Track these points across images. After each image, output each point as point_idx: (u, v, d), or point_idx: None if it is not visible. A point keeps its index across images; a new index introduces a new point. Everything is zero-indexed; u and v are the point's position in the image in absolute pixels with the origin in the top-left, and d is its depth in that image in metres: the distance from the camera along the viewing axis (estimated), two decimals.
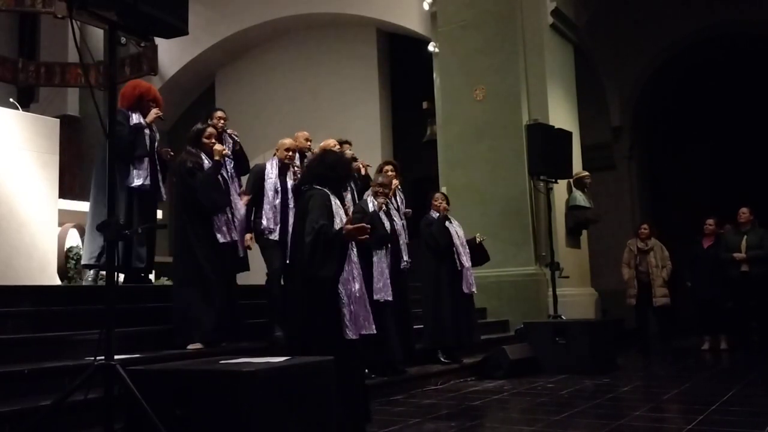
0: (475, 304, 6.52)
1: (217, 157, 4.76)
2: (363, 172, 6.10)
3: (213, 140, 4.86)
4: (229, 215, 4.81)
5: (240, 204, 5.07)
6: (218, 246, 4.67)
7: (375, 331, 3.73)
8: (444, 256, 6.13)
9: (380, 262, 5.20)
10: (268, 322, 5.20)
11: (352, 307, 3.54)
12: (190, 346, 4.48)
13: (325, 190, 3.71)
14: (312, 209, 3.59)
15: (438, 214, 6.22)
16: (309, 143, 5.77)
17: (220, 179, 4.82)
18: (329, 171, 3.78)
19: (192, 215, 4.66)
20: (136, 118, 5.40)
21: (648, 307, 8.36)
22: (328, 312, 3.51)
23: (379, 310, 4.75)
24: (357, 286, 3.60)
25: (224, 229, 4.71)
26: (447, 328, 6.02)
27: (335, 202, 3.70)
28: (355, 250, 3.68)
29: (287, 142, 5.41)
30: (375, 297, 4.97)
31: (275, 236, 5.16)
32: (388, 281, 5.18)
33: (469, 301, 6.31)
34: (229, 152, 5.21)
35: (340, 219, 3.63)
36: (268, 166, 5.33)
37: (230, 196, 4.92)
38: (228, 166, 5.17)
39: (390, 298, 5.16)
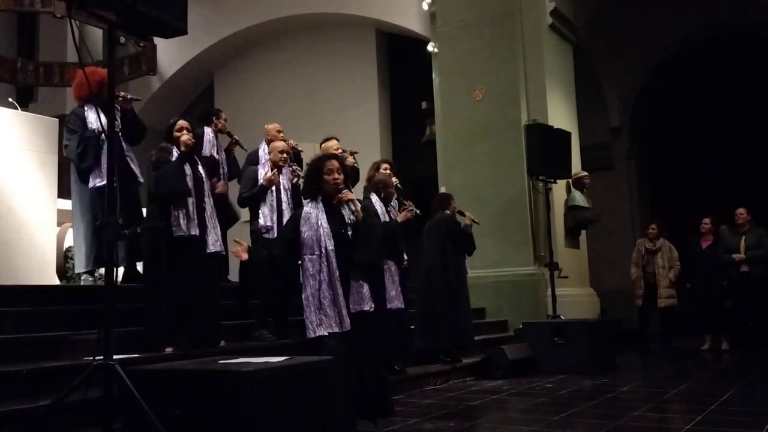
0: None
1: (183, 148, 4.60)
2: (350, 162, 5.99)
3: (182, 132, 4.69)
4: (191, 209, 4.51)
5: (210, 200, 4.81)
6: (180, 242, 4.44)
7: (342, 330, 3.77)
8: (462, 258, 6.20)
9: (391, 270, 5.18)
10: (258, 323, 5.14)
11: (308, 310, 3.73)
12: (167, 350, 4.35)
13: (305, 207, 3.89)
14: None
15: (463, 221, 6.31)
16: (281, 134, 5.73)
17: (188, 170, 4.60)
18: (305, 182, 4.02)
19: (159, 209, 4.50)
20: (92, 116, 5.21)
21: (652, 308, 8.37)
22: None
23: (388, 316, 4.85)
24: (308, 291, 3.72)
25: (182, 221, 4.43)
26: (465, 327, 6.05)
27: (307, 211, 3.82)
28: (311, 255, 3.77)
29: (279, 145, 5.38)
30: (389, 306, 4.99)
31: (273, 234, 5.15)
32: (400, 289, 5.20)
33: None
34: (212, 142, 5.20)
35: (309, 226, 3.74)
36: (260, 169, 5.34)
37: (202, 190, 4.70)
38: (221, 159, 5.13)
39: (402, 306, 5.18)
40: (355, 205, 3.93)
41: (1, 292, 4.44)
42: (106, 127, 4.87)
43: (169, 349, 4.36)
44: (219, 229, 4.81)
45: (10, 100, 6.28)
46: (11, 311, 4.21)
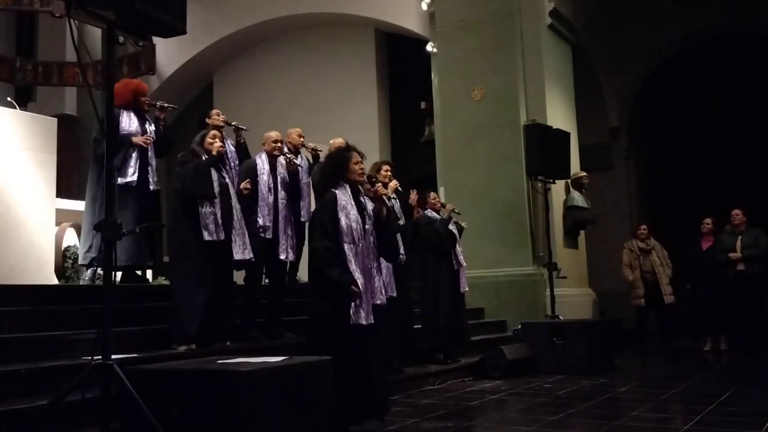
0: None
1: (214, 152, 4.72)
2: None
3: (215, 140, 4.82)
4: (218, 213, 4.61)
5: (237, 206, 4.98)
6: (208, 244, 4.54)
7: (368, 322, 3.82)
8: (444, 256, 6.14)
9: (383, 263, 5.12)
10: (244, 322, 5.10)
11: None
12: (180, 348, 4.40)
13: (334, 191, 3.90)
14: (316, 225, 3.86)
15: (439, 214, 6.24)
16: (302, 139, 5.79)
17: (214, 175, 4.70)
18: (327, 170, 4.06)
19: (185, 210, 4.58)
20: (126, 118, 5.34)
21: (651, 307, 8.37)
22: None
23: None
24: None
25: (211, 227, 4.54)
26: (446, 328, 6.03)
27: (342, 198, 3.86)
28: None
29: (273, 134, 5.42)
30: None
31: (269, 234, 5.15)
32: (393, 279, 5.13)
33: (464, 300, 6.41)
34: (229, 148, 5.31)
35: (345, 215, 3.80)
36: (258, 161, 5.32)
37: (229, 195, 4.81)
38: (232, 163, 5.25)
39: (395, 294, 5.10)
40: (387, 200, 4.01)
41: (0, 291, 4.44)
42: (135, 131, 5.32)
43: (182, 347, 4.42)
44: (247, 236, 4.86)
45: (8, 99, 6.27)
46: (9, 311, 4.20)
